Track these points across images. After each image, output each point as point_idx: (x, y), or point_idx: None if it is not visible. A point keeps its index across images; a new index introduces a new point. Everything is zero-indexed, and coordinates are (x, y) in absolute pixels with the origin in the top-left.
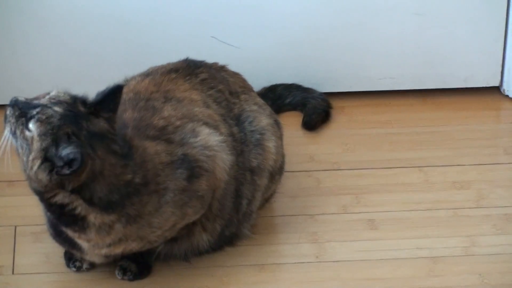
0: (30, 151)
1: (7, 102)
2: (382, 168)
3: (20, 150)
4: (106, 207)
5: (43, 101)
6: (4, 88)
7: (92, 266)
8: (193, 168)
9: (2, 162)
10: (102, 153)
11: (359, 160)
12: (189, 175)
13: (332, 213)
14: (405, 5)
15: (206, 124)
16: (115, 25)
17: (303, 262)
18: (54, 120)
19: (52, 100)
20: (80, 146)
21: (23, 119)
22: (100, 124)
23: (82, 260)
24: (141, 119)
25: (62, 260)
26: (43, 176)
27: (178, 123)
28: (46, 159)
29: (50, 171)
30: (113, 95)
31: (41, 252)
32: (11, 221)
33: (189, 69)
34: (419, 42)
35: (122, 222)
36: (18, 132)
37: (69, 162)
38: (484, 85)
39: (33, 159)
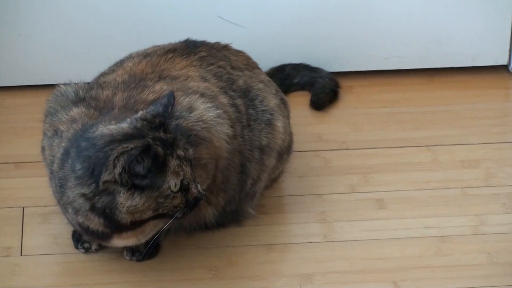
0: None
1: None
2: (390, 147)
3: None
4: None
5: None
6: (11, 69)
7: (101, 247)
8: (188, 137)
9: (9, 144)
10: None
11: (367, 139)
12: (186, 142)
13: (340, 193)
14: None
15: (202, 95)
16: (120, 5)
17: (312, 242)
18: None
19: None
20: None
21: None
22: None
23: (90, 241)
24: (130, 97)
25: (70, 241)
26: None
27: None
28: None
29: None
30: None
31: (49, 233)
32: (19, 203)
33: (188, 48)
34: (427, 20)
35: None
36: None
37: None
38: (492, 64)
39: None
